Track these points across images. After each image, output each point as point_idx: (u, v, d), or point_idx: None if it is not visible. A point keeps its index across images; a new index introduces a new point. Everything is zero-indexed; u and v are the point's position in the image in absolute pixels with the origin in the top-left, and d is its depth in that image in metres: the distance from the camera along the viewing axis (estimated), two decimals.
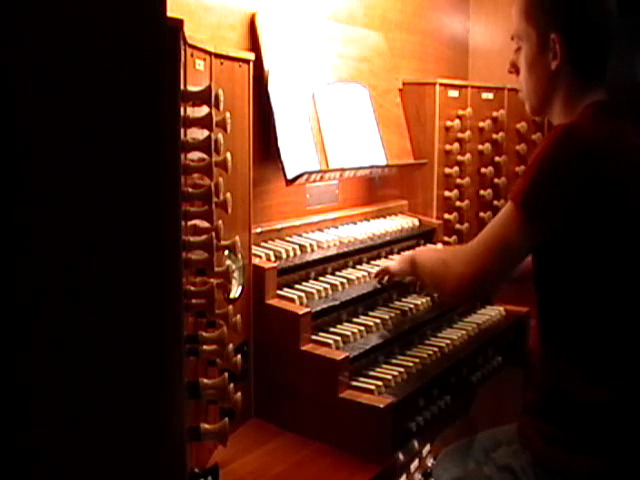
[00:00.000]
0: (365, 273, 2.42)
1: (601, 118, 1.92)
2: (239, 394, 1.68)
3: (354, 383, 2.03)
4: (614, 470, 1.86)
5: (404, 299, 2.49)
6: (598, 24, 1.96)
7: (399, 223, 2.79)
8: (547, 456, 1.91)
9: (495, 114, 3.26)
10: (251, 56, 2.07)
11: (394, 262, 2.41)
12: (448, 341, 2.39)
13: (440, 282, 2.10)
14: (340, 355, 2.01)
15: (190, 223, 1.63)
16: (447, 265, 2.03)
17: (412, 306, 2.45)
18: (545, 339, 1.99)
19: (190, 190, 1.61)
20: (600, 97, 1.97)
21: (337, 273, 2.38)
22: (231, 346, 1.66)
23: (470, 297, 2.22)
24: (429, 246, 2.63)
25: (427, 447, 2.71)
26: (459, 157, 3.04)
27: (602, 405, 1.86)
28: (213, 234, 1.61)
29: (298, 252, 2.28)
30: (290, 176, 2.24)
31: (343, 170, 2.48)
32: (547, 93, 2.01)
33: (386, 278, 2.41)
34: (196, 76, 1.71)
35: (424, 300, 2.51)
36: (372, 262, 2.53)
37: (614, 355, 1.88)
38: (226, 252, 1.87)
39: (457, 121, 3.01)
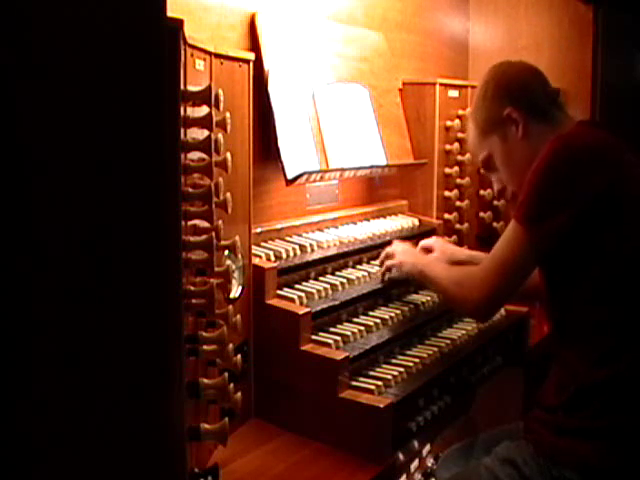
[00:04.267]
0: (365, 273, 2.42)
1: (590, 130, 2.05)
2: (239, 394, 1.69)
3: (354, 383, 2.03)
4: (621, 457, 1.88)
5: (404, 299, 2.49)
6: (535, 77, 2.15)
7: (399, 223, 2.79)
8: (553, 446, 1.92)
9: None
10: (251, 56, 2.07)
11: (399, 258, 2.41)
12: (448, 341, 2.40)
13: (457, 304, 2.19)
14: (340, 355, 2.01)
15: (190, 223, 1.62)
16: (462, 289, 2.10)
17: (412, 306, 2.45)
18: (556, 331, 2.07)
19: (190, 190, 1.61)
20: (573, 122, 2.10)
21: (337, 273, 2.37)
22: (231, 346, 1.66)
23: (490, 317, 2.36)
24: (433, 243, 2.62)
25: (427, 447, 2.71)
26: (459, 157, 3.03)
27: (610, 389, 1.89)
28: (213, 234, 1.62)
29: (298, 252, 2.28)
30: (290, 176, 2.23)
31: (343, 170, 2.48)
32: (528, 161, 2.02)
33: (394, 270, 2.42)
34: (196, 76, 1.71)
35: (424, 300, 2.51)
36: (372, 262, 2.53)
37: (622, 340, 1.92)
38: (226, 252, 1.87)
39: (457, 121, 3.01)
